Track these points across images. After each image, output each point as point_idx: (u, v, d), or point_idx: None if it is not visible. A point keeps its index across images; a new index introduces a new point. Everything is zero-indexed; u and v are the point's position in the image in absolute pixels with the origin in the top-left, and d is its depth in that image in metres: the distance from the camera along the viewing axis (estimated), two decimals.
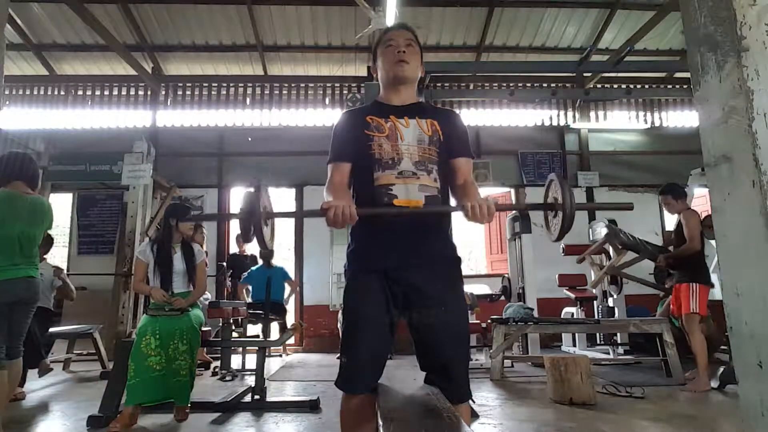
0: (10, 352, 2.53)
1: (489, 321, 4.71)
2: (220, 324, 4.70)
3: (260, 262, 5.92)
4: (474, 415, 2.87)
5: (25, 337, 3.38)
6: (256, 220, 1.30)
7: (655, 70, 7.53)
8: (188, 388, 2.93)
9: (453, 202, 1.54)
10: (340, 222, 1.29)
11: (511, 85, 7.60)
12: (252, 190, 1.34)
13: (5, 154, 2.74)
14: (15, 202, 2.60)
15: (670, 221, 6.87)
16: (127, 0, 6.49)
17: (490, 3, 6.67)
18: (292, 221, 7.23)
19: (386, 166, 1.44)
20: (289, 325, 5.41)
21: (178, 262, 3.19)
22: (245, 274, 5.83)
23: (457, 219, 1.54)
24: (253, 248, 6.50)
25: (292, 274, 6.37)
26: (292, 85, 7.60)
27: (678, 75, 7.70)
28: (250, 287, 5.79)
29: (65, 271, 4.41)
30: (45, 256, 4.25)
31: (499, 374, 4.26)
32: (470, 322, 4.46)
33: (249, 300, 5.56)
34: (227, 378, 4.43)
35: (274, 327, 5.57)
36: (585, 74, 7.25)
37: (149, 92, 7.49)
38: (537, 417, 2.98)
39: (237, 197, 7.67)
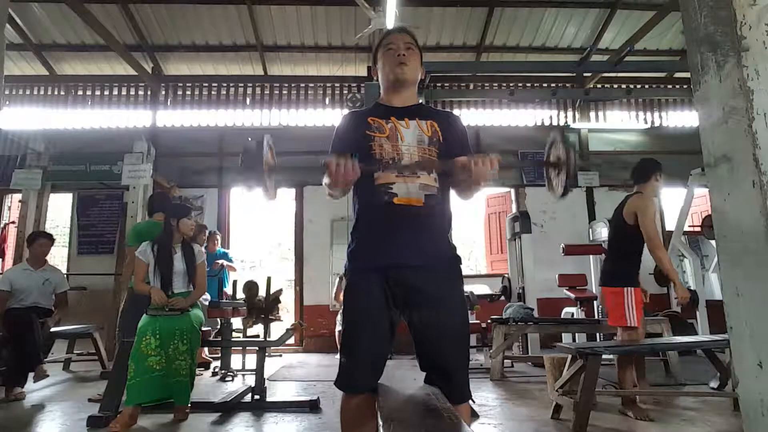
0: None
1: (489, 321, 4.71)
2: (219, 325, 4.71)
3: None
4: (474, 415, 2.88)
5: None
6: (259, 170, 1.35)
7: (655, 70, 7.52)
8: (188, 388, 2.93)
9: (453, 200, 1.54)
10: (342, 174, 1.28)
11: (511, 85, 7.59)
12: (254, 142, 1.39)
13: (151, 195, 4.21)
14: (155, 227, 3.46)
15: (670, 220, 6.88)
16: (127, 0, 6.49)
17: (490, 3, 6.66)
18: (292, 222, 7.23)
19: (386, 165, 1.45)
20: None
21: (179, 263, 3.19)
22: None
23: (458, 219, 1.54)
24: None
25: (291, 273, 6.25)
26: (292, 85, 7.60)
27: (678, 75, 7.69)
28: None
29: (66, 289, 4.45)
30: (46, 258, 4.27)
31: (499, 374, 4.26)
32: (470, 322, 4.46)
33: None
34: (227, 378, 4.43)
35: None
36: (585, 74, 7.24)
37: (149, 92, 7.49)
38: (537, 417, 2.99)
39: (237, 196, 7.68)
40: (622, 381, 3.07)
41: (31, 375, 3.79)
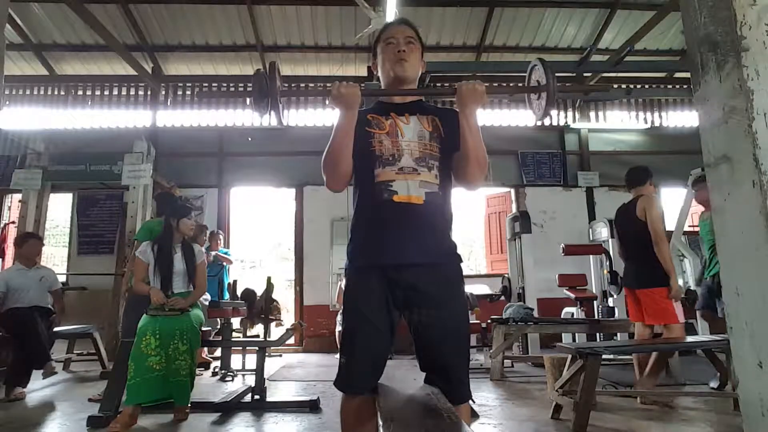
0: None
1: (489, 321, 4.71)
2: (219, 325, 4.71)
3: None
4: (474, 415, 2.87)
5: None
6: (273, 94, 1.44)
7: (655, 70, 7.53)
8: (188, 388, 2.93)
9: (453, 199, 1.54)
10: (343, 93, 1.37)
11: (511, 84, 7.59)
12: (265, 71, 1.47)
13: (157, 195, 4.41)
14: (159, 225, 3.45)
15: (670, 220, 6.86)
16: (127, 0, 6.49)
17: (490, 3, 6.66)
18: (292, 222, 7.23)
19: (386, 162, 1.44)
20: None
21: (179, 263, 3.19)
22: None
23: (458, 219, 1.54)
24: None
25: (291, 273, 6.25)
26: (293, 85, 7.60)
27: (678, 75, 7.70)
28: None
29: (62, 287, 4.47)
30: (36, 259, 4.28)
31: (499, 374, 4.25)
32: (470, 322, 4.46)
33: None
34: (227, 378, 4.43)
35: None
36: (585, 74, 7.24)
37: (149, 92, 7.49)
38: (537, 417, 2.98)
39: (237, 196, 7.67)
40: (648, 380, 3.18)
41: (34, 374, 3.80)
